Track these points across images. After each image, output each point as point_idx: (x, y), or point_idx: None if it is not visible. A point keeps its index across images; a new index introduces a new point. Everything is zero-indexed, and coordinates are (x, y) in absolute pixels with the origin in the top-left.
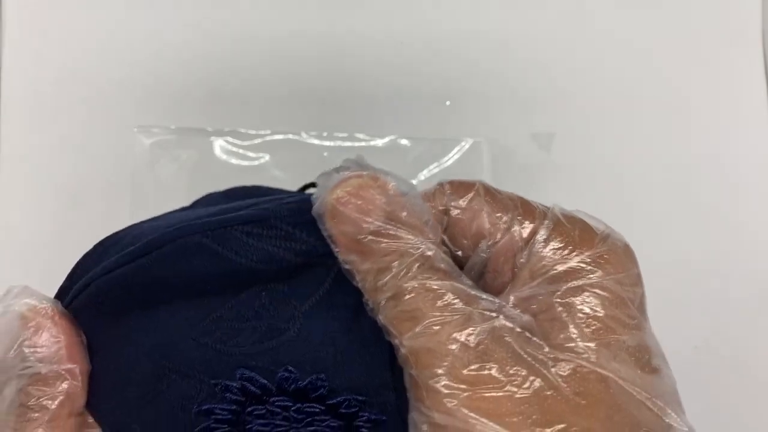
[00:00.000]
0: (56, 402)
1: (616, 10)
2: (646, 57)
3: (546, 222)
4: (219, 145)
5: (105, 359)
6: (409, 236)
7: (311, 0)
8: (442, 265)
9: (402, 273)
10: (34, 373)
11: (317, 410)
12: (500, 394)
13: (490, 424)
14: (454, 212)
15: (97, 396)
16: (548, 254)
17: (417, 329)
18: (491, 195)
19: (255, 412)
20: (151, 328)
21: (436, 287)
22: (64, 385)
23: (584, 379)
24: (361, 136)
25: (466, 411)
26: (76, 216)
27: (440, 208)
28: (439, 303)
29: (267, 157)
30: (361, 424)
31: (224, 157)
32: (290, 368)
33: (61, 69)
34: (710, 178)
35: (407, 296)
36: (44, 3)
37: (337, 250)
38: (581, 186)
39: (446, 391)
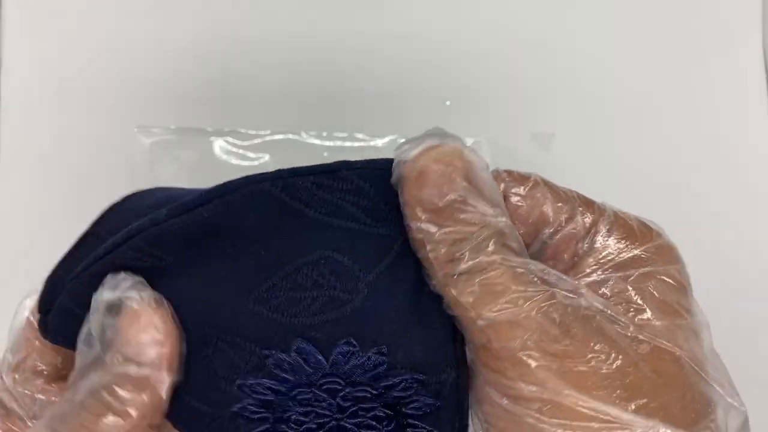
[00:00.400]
0: (138, 411)
1: (616, 10)
2: (646, 57)
3: (606, 214)
4: (219, 145)
5: None
6: (489, 209)
7: (311, 0)
8: (515, 245)
9: (483, 245)
10: (125, 373)
11: (368, 395)
12: (586, 368)
13: (582, 396)
14: (514, 199)
15: None
16: (612, 244)
17: (501, 302)
18: (550, 186)
19: (299, 397)
20: (200, 289)
21: (515, 263)
22: (152, 396)
23: (660, 359)
24: (360, 136)
25: (557, 381)
26: (76, 215)
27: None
28: (522, 279)
29: (267, 157)
30: (411, 412)
31: (224, 157)
32: (352, 340)
33: (60, 69)
34: (710, 178)
35: (488, 269)
36: (44, 3)
37: (412, 217)
38: (581, 186)
39: (536, 363)
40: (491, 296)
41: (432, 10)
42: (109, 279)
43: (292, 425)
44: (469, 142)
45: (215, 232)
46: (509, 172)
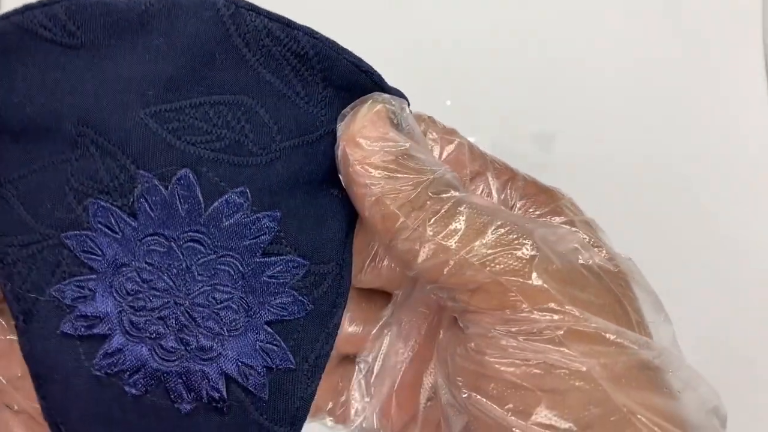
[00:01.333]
0: None
1: (616, 10)
2: (647, 57)
3: (520, 174)
4: None
5: (17, 103)
6: (433, 159)
7: (312, 0)
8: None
9: (443, 187)
10: None
11: (230, 271)
12: (584, 294)
13: (593, 317)
14: (432, 142)
15: None
16: (532, 200)
17: (493, 232)
18: (467, 141)
19: (151, 247)
20: (96, 83)
21: (481, 201)
22: None
23: (618, 283)
24: None
25: (569, 303)
26: None
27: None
28: (495, 213)
29: None
30: (272, 311)
31: None
32: (248, 191)
33: None
34: (710, 178)
35: (462, 207)
36: None
37: (359, 175)
38: (581, 186)
39: (549, 288)
40: (474, 232)
41: (432, 10)
42: None
43: (122, 288)
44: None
45: (144, 28)
46: (430, 117)
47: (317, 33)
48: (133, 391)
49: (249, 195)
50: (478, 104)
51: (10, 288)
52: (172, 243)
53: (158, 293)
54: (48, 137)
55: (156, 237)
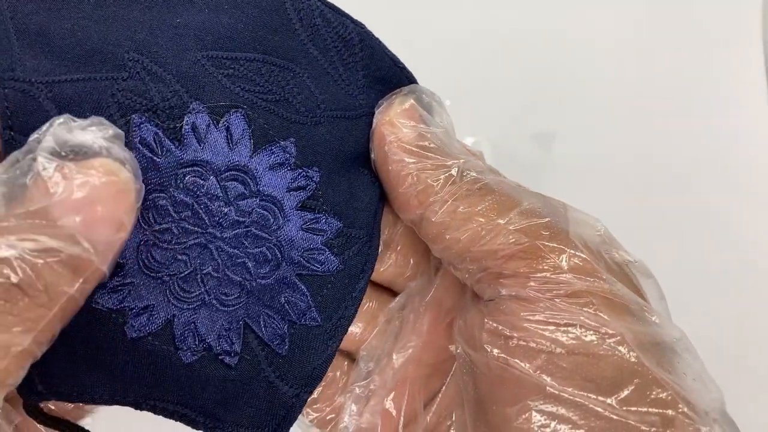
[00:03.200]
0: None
1: (616, 10)
2: (647, 57)
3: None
4: None
5: (62, 22)
6: (462, 149)
7: None
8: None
9: (477, 169)
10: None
11: (269, 217)
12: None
13: (627, 290)
14: None
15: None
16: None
17: (519, 209)
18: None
19: (187, 177)
20: (149, 20)
21: (512, 183)
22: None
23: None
24: None
25: (608, 275)
26: None
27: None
28: (524, 192)
29: None
30: (305, 264)
31: None
32: (293, 146)
33: None
34: (710, 178)
35: (496, 185)
36: None
37: (394, 154)
38: (581, 186)
39: (586, 255)
40: (508, 206)
41: (431, 10)
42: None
43: (151, 214)
44: (469, 141)
45: None
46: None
47: (363, 24)
48: (134, 333)
49: (294, 148)
50: (478, 104)
51: None
52: (214, 177)
53: (189, 226)
54: (94, 58)
55: (198, 168)
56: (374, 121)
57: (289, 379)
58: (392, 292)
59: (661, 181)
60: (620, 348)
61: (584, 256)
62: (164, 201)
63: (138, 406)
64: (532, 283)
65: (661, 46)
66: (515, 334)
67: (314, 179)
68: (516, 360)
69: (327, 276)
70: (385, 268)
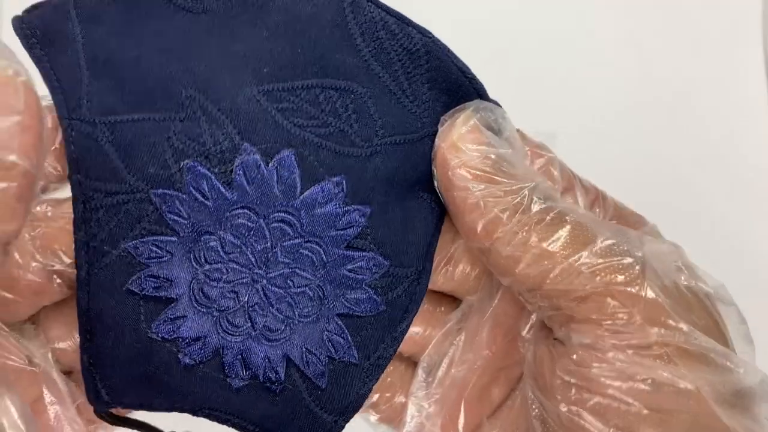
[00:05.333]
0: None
1: (616, 10)
2: (647, 57)
3: (608, 202)
4: None
5: (125, 51)
6: (530, 168)
7: None
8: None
9: (548, 194)
10: None
11: (314, 259)
12: (689, 317)
13: (705, 337)
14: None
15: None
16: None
17: (592, 246)
18: (558, 160)
19: (236, 220)
20: (212, 48)
21: (584, 212)
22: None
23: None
24: None
25: (684, 324)
26: None
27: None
28: (599, 225)
29: None
30: (346, 305)
31: None
32: (343, 182)
33: None
34: (710, 178)
35: (568, 215)
36: None
37: (461, 180)
38: None
39: (662, 301)
40: (581, 242)
41: (431, 10)
42: None
43: (201, 255)
44: None
45: (266, 4)
46: (522, 133)
47: (430, 33)
48: (187, 360)
49: (344, 186)
50: None
51: (83, 234)
52: (262, 220)
53: (237, 267)
54: (154, 94)
55: (247, 211)
56: (436, 142)
57: (329, 409)
58: (453, 297)
59: (660, 181)
60: (695, 403)
61: (660, 301)
62: (214, 242)
63: (194, 413)
64: (605, 333)
65: (662, 47)
66: (588, 390)
67: (364, 216)
68: (589, 417)
69: (368, 317)
70: (444, 281)
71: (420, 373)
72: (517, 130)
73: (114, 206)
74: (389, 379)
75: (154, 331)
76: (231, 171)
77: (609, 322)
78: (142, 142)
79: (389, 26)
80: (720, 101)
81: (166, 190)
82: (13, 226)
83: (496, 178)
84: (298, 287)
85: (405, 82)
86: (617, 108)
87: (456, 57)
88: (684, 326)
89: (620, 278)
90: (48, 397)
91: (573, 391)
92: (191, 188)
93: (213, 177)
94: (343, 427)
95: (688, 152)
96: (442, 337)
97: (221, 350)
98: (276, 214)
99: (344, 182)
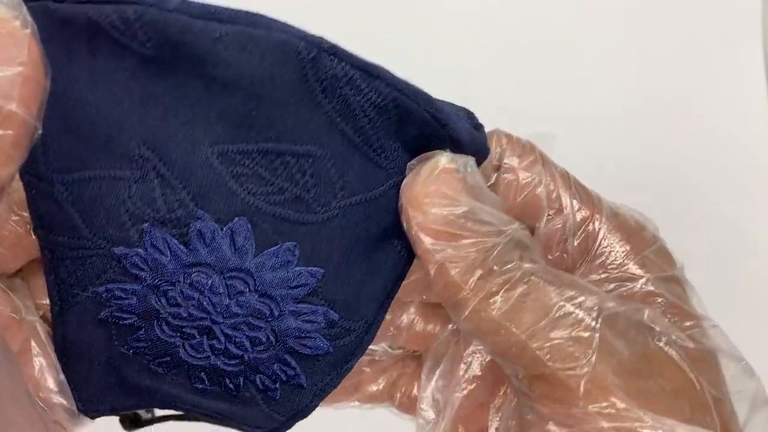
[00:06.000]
0: None
1: (616, 10)
2: (647, 57)
3: (604, 212)
4: None
5: (78, 96)
6: (502, 217)
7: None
8: (536, 254)
9: (510, 256)
10: None
11: (266, 312)
12: (655, 386)
13: (660, 419)
14: (507, 175)
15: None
16: (617, 249)
17: (552, 319)
18: (548, 165)
19: (193, 275)
20: (163, 107)
21: (553, 271)
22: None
23: (706, 364)
24: None
25: (634, 404)
26: None
27: (493, 162)
28: (569, 289)
29: None
30: (295, 347)
31: None
32: (296, 250)
33: None
34: (710, 178)
35: (526, 284)
36: None
37: (422, 242)
38: None
39: (611, 385)
40: (540, 312)
41: (431, 10)
42: None
43: (163, 300)
44: None
45: (214, 58)
46: (509, 137)
47: (400, 82)
48: (159, 370)
49: (298, 251)
50: (478, 104)
51: (53, 278)
52: (217, 276)
53: (196, 311)
54: (108, 148)
55: (203, 269)
56: (400, 194)
57: (281, 413)
58: None
59: (660, 181)
60: None
61: (613, 383)
62: (173, 293)
63: (162, 407)
64: (554, 419)
65: (661, 47)
66: None
67: (316, 277)
68: None
69: (316, 356)
70: (421, 328)
71: (423, 377)
72: (506, 138)
73: (79, 258)
74: (406, 370)
75: (125, 349)
76: (187, 234)
77: (558, 406)
78: (100, 203)
79: (354, 81)
80: (720, 101)
81: (126, 249)
82: (9, 170)
83: (459, 238)
84: (252, 332)
85: (372, 136)
86: (617, 108)
87: (428, 102)
88: (638, 412)
89: (571, 359)
90: (34, 349)
91: None
92: (149, 247)
93: (169, 238)
94: (292, 425)
95: (687, 152)
96: (449, 335)
97: (187, 365)
98: (230, 273)
99: (297, 248)
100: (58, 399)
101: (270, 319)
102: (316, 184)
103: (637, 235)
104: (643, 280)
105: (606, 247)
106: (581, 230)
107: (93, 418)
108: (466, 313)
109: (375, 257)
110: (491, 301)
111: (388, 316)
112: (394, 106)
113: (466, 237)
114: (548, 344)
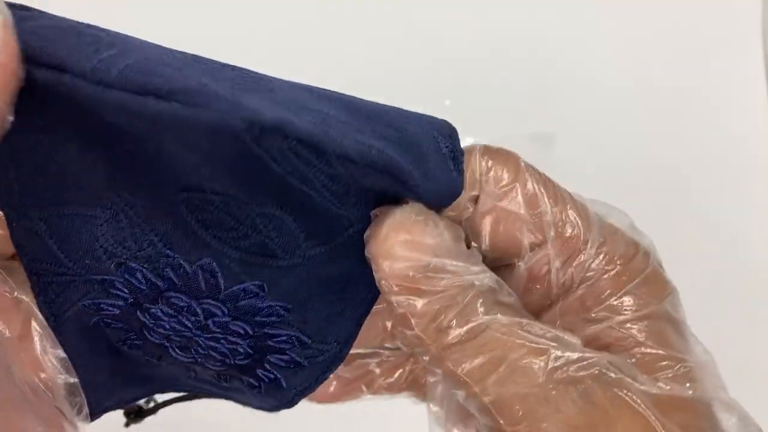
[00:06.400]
0: None
1: (616, 10)
2: (647, 57)
3: (592, 237)
4: None
5: (42, 149)
6: (470, 267)
7: (313, 1)
8: (507, 299)
9: (469, 309)
10: None
11: (241, 331)
12: None
13: None
14: (485, 211)
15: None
16: (600, 284)
17: (503, 372)
18: (534, 184)
19: (172, 299)
20: (127, 157)
21: (509, 324)
22: None
23: (677, 408)
24: None
25: None
26: None
27: (472, 193)
28: (520, 343)
29: None
30: (273, 360)
31: None
32: (264, 285)
33: None
34: (710, 178)
35: (480, 335)
36: (43, 3)
37: (391, 295)
38: (582, 187)
39: None
40: (490, 367)
41: (431, 10)
42: None
43: (148, 316)
44: (469, 141)
45: (154, 140)
46: (487, 159)
47: (351, 154)
48: (154, 361)
49: (266, 288)
50: (477, 104)
51: (42, 299)
52: (193, 302)
53: (177, 325)
54: (79, 185)
55: (178, 294)
56: (366, 239)
57: (269, 403)
58: None
59: (660, 181)
60: None
61: None
62: (154, 310)
63: (162, 392)
64: None
65: (661, 47)
66: None
67: (286, 309)
68: None
69: (294, 368)
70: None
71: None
72: (485, 161)
73: (63, 282)
74: (418, 364)
75: (121, 345)
76: (159, 268)
77: None
78: (76, 238)
79: (303, 156)
80: (720, 101)
81: (104, 276)
82: None
83: (422, 291)
84: (231, 345)
85: (332, 193)
86: (617, 108)
87: (394, 165)
88: None
89: (516, 422)
90: (35, 329)
91: None
92: (126, 277)
93: (145, 271)
94: (288, 408)
95: (687, 152)
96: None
97: (177, 360)
98: (204, 301)
99: (265, 284)
100: (61, 377)
101: (246, 338)
102: (278, 235)
103: (627, 265)
104: (620, 319)
105: (590, 281)
106: (565, 263)
107: (101, 415)
108: (428, 361)
109: (344, 291)
110: (449, 352)
111: (380, 323)
112: (350, 175)
113: (429, 288)
114: (497, 398)
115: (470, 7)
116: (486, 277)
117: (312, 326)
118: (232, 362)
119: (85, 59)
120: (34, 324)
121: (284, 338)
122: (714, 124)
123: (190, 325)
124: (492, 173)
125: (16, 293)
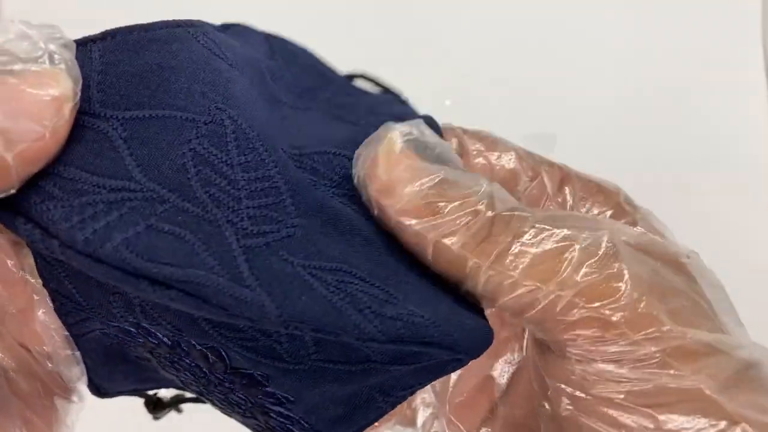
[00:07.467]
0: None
1: (616, 10)
2: (647, 57)
3: (572, 174)
4: None
5: None
6: (471, 176)
7: (314, 2)
8: (510, 196)
9: (504, 212)
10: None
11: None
12: (680, 304)
13: (699, 332)
14: (479, 160)
15: None
16: (591, 201)
17: (568, 262)
18: (509, 143)
19: (180, 357)
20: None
21: (545, 216)
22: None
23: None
24: None
25: (674, 324)
26: None
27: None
28: (570, 228)
29: None
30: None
31: None
32: (268, 376)
33: None
34: (710, 178)
35: (530, 233)
36: (42, 3)
37: (412, 227)
38: None
39: (655, 311)
40: (557, 258)
41: (432, 10)
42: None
43: (163, 359)
44: None
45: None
46: (464, 129)
47: (376, 336)
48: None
49: (269, 378)
50: (477, 104)
51: (62, 321)
52: (200, 364)
53: (189, 374)
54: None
55: (187, 360)
56: (362, 188)
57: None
58: None
59: (660, 181)
60: (697, 397)
61: (647, 310)
62: (162, 358)
63: (179, 388)
64: (599, 354)
65: (661, 46)
66: (592, 402)
67: (289, 401)
68: (594, 424)
69: None
70: None
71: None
72: (459, 130)
73: (83, 317)
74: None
75: (140, 360)
76: (174, 339)
77: (600, 342)
78: (95, 292)
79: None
80: (720, 101)
81: (120, 325)
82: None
83: (444, 208)
84: (238, 399)
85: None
86: (617, 108)
87: (416, 335)
88: (673, 328)
89: (603, 295)
90: (37, 304)
91: (577, 403)
92: (142, 333)
93: (159, 334)
94: None
95: (687, 153)
96: None
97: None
98: (211, 373)
99: (269, 377)
100: (64, 349)
101: (251, 405)
102: (288, 341)
103: (606, 191)
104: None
105: (584, 202)
106: (559, 191)
107: (113, 396)
108: (483, 281)
109: (354, 409)
110: (505, 260)
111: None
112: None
113: (451, 203)
114: (579, 286)
115: (470, 7)
116: (494, 184)
117: (315, 418)
118: (241, 410)
119: (78, 227)
120: (36, 298)
121: (286, 415)
122: (714, 124)
123: (200, 375)
124: (471, 136)
125: (27, 276)
